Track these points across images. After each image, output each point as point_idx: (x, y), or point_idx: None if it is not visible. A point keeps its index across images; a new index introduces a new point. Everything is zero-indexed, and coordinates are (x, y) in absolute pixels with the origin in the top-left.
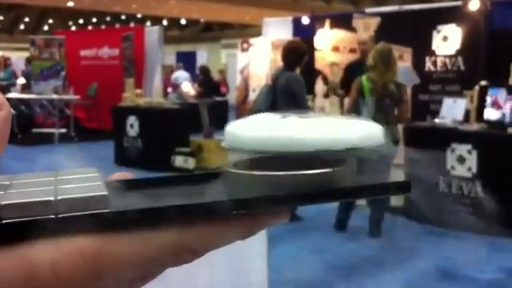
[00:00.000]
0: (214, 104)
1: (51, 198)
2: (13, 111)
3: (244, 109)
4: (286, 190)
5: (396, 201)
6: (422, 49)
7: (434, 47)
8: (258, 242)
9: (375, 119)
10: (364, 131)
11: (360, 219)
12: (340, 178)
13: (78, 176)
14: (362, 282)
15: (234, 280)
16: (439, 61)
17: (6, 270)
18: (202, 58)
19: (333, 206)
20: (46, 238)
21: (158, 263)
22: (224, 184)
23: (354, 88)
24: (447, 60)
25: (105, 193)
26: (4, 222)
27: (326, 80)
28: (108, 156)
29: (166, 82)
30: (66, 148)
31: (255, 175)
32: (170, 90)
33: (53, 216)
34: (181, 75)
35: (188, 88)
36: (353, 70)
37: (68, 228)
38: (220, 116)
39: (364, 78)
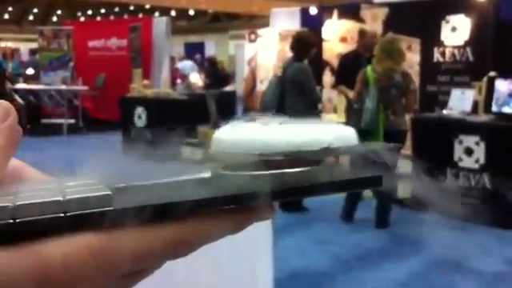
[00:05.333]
0: (222, 95)
1: (60, 198)
2: (22, 102)
3: (252, 100)
4: (269, 188)
5: (403, 192)
6: (431, 39)
7: (442, 38)
8: (263, 232)
9: (379, 109)
10: (335, 133)
11: (366, 210)
12: (317, 176)
13: (80, 182)
14: (367, 273)
15: (239, 271)
16: (448, 51)
17: (20, 266)
18: (210, 48)
19: (339, 198)
20: (56, 236)
21: (159, 256)
22: (216, 184)
23: (359, 79)
24: (456, 51)
25: (109, 192)
26: (18, 220)
27: (333, 71)
28: (116, 146)
29: (174, 73)
30: (74, 138)
31: (242, 175)
32: (178, 80)
33: (62, 214)
34: (186, 64)
35: (196, 79)
36: (348, 62)
37: (76, 225)
38: (228, 107)
39: (369, 68)
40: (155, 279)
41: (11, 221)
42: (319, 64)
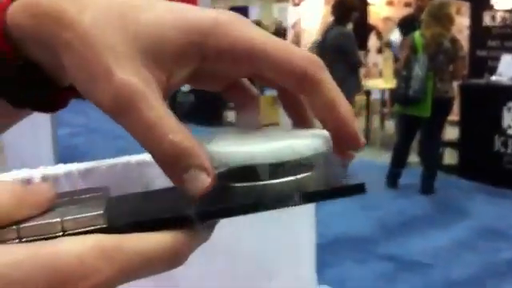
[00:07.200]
0: None
1: (58, 219)
2: None
3: None
4: (252, 200)
5: (449, 159)
6: (480, 3)
7: (492, 1)
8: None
9: (428, 76)
10: (312, 141)
11: (412, 176)
12: (300, 186)
13: (87, 196)
14: (411, 239)
15: (281, 236)
16: (498, 15)
17: (33, 260)
18: (255, 12)
19: (384, 163)
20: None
21: (160, 260)
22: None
23: (406, 45)
24: (506, 15)
25: (101, 211)
26: (24, 240)
27: (379, 35)
28: None
29: None
30: None
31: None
32: None
33: (61, 233)
34: None
35: None
36: (404, 26)
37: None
38: None
39: (417, 34)
40: (206, 243)
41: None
42: (364, 28)
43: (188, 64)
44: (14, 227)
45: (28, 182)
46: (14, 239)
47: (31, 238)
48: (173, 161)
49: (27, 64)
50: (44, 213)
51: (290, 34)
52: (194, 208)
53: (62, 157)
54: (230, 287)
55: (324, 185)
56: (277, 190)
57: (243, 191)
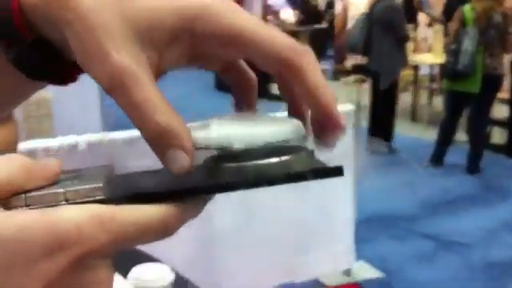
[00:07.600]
0: (315, 32)
1: (62, 190)
2: None
3: (343, 38)
4: (238, 178)
5: (497, 138)
6: None
7: None
8: (344, 172)
9: (478, 51)
10: (291, 126)
11: (458, 155)
12: (282, 167)
13: (91, 172)
14: (453, 218)
15: (319, 212)
16: None
17: (34, 227)
18: None
19: (430, 140)
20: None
21: (154, 231)
22: (195, 173)
23: (456, 18)
24: None
25: (100, 184)
26: (30, 207)
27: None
28: (209, 81)
29: (265, 10)
30: (168, 73)
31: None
32: (270, 17)
33: (64, 203)
34: (278, 0)
35: (287, 15)
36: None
37: None
38: (321, 44)
39: (467, 7)
40: (246, 213)
41: None
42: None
43: (179, 46)
44: (22, 195)
45: (74, 148)
46: (21, 206)
47: (37, 206)
48: (158, 140)
49: (40, 41)
50: (51, 185)
51: (338, 7)
52: (186, 184)
53: (110, 126)
54: (270, 260)
55: (304, 167)
56: (261, 170)
57: (231, 171)
